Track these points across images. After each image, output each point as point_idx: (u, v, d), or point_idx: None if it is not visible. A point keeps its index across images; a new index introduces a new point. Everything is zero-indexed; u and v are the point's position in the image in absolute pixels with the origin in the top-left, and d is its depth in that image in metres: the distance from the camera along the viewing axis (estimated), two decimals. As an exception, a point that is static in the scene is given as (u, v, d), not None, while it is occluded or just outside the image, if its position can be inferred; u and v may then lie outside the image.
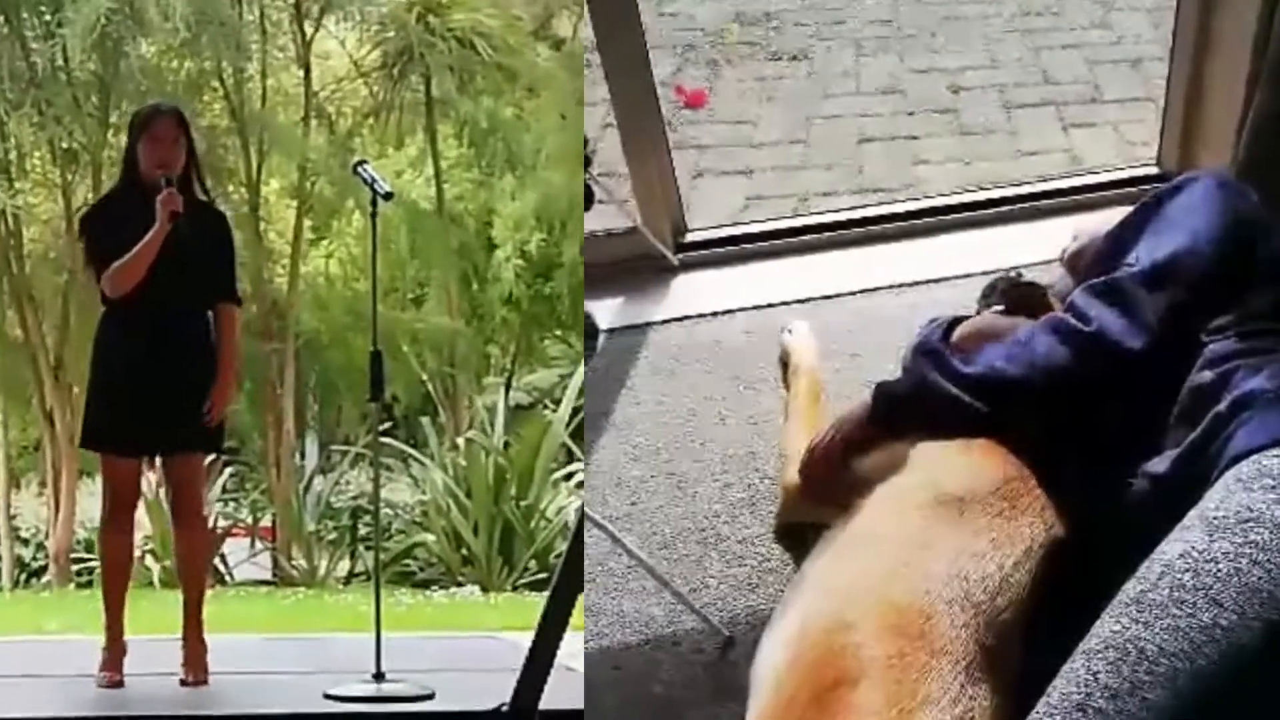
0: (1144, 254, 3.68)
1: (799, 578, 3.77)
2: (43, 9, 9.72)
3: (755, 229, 5.79)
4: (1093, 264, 3.92)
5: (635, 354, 5.13)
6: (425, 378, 11.03)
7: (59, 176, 9.95)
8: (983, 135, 7.01)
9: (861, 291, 5.39)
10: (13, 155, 9.61)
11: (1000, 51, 7.95)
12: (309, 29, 10.46)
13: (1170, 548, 3.02)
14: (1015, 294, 4.29)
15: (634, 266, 5.53)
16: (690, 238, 5.69)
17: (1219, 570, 2.91)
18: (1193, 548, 2.97)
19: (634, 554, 4.09)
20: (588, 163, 4.54)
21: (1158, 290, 3.57)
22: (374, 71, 10.90)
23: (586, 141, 4.50)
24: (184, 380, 5.13)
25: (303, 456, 11.58)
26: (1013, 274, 4.69)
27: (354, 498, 10.60)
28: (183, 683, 5.11)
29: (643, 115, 5.36)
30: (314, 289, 11.09)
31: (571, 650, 3.99)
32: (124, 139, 6.12)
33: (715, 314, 5.34)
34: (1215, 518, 3.01)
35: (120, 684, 5.09)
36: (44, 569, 10.26)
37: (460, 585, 9.20)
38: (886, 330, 4.95)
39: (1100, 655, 2.91)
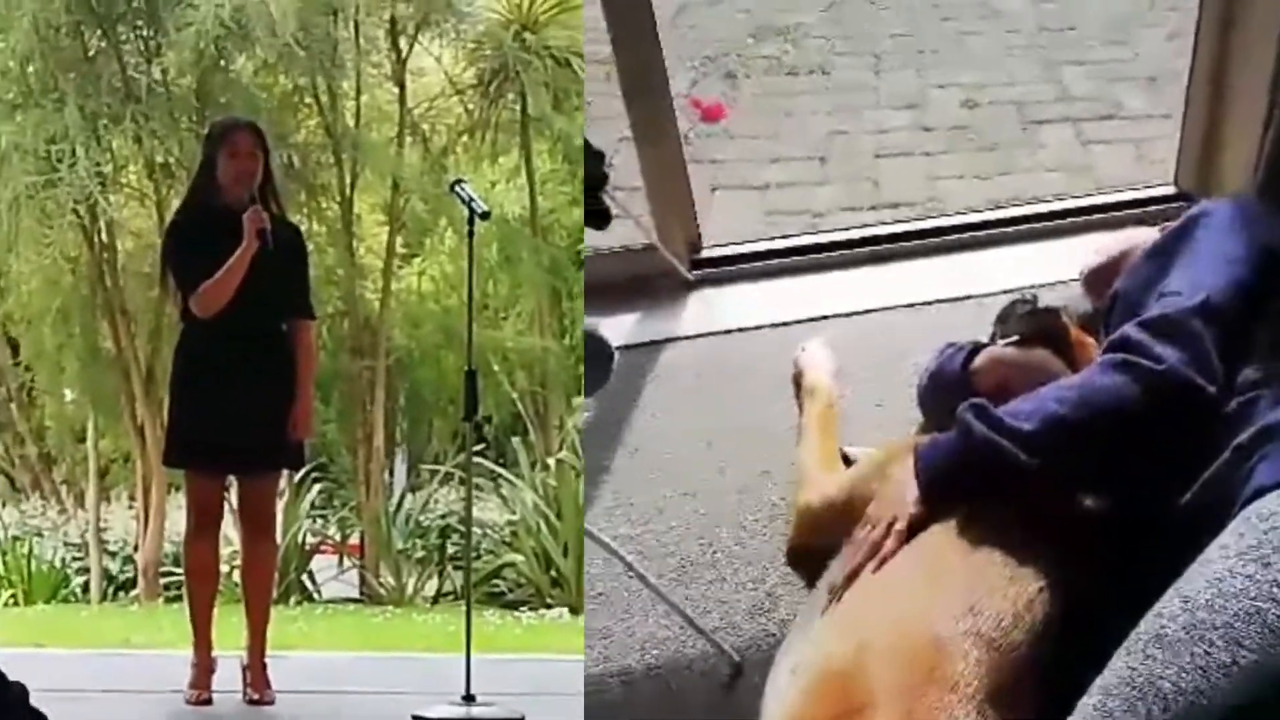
0: (1184, 284, 3.59)
1: (812, 603, 3.72)
2: (140, 24, 9.74)
3: (772, 245, 5.73)
4: (1128, 290, 3.81)
5: (650, 371, 5.09)
6: (516, 397, 10.97)
7: (153, 190, 9.95)
8: (1002, 151, 6.93)
9: (878, 310, 5.33)
10: (108, 169, 9.60)
11: (1018, 68, 7.87)
12: (404, 46, 10.43)
13: (1190, 583, 2.97)
14: (1033, 322, 4.17)
15: (649, 283, 5.48)
16: (706, 253, 5.64)
17: (1239, 608, 2.86)
18: (1212, 583, 2.92)
19: (642, 577, 4.01)
20: (605, 179, 4.45)
21: (1211, 326, 3.47)
22: (469, 89, 10.86)
23: (602, 157, 4.40)
24: (264, 397, 5.11)
25: (391, 474, 11.55)
26: (1028, 296, 4.58)
27: (443, 516, 10.55)
28: (251, 701, 5.09)
29: (659, 130, 5.34)
30: (405, 306, 11.06)
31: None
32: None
33: (731, 331, 5.29)
34: (1236, 553, 2.96)
35: (208, 701, 5.09)
36: (132, 582, 10.26)
37: (549, 607, 9.13)
38: (902, 350, 4.89)
39: (1117, 692, 2.86)
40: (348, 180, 10.28)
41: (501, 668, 5.55)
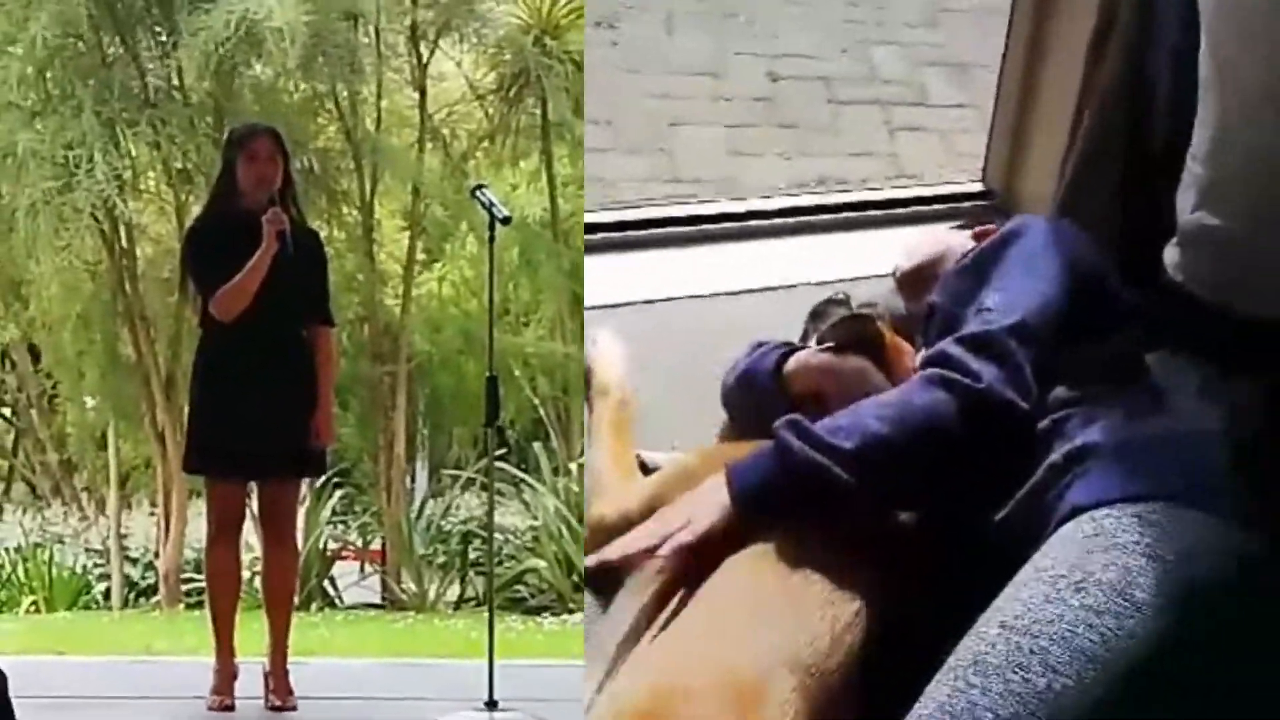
0: (999, 302, 3.57)
1: (608, 628, 3.54)
2: (158, 29, 9.74)
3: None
4: (944, 304, 3.77)
5: None
6: (537, 402, 10.95)
7: (172, 196, 9.95)
8: (805, 130, 6.65)
9: (676, 298, 5.01)
10: (126, 175, 9.59)
11: (824, 42, 7.41)
12: (425, 51, 10.42)
13: (1006, 607, 2.98)
14: (849, 328, 4.07)
15: None
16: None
17: (1054, 633, 2.88)
18: (1029, 608, 2.94)
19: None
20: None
21: (1027, 345, 3.46)
22: (489, 94, 10.85)
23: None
24: (284, 403, 5.11)
25: (413, 480, 11.53)
26: (840, 295, 4.48)
27: (464, 522, 10.53)
28: (273, 707, 5.09)
29: None
30: (426, 312, 11.04)
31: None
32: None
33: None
34: (1050, 577, 2.98)
35: (231, 707, 5.09)
36: (153, 589, 10.25)
37: (572, 612, 9.10)
38: (702, 343, 4.62)
39: (934, 719, 2.85)
40: (368, 186, 10.27)
41: (524, 673, 5.52)
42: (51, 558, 10.46)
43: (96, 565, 10.61)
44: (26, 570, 10.39)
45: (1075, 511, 3.14)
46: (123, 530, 10.62)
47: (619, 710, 3.11)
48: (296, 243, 5.12)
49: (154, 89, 9.69)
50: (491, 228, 5.01)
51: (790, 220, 5.51)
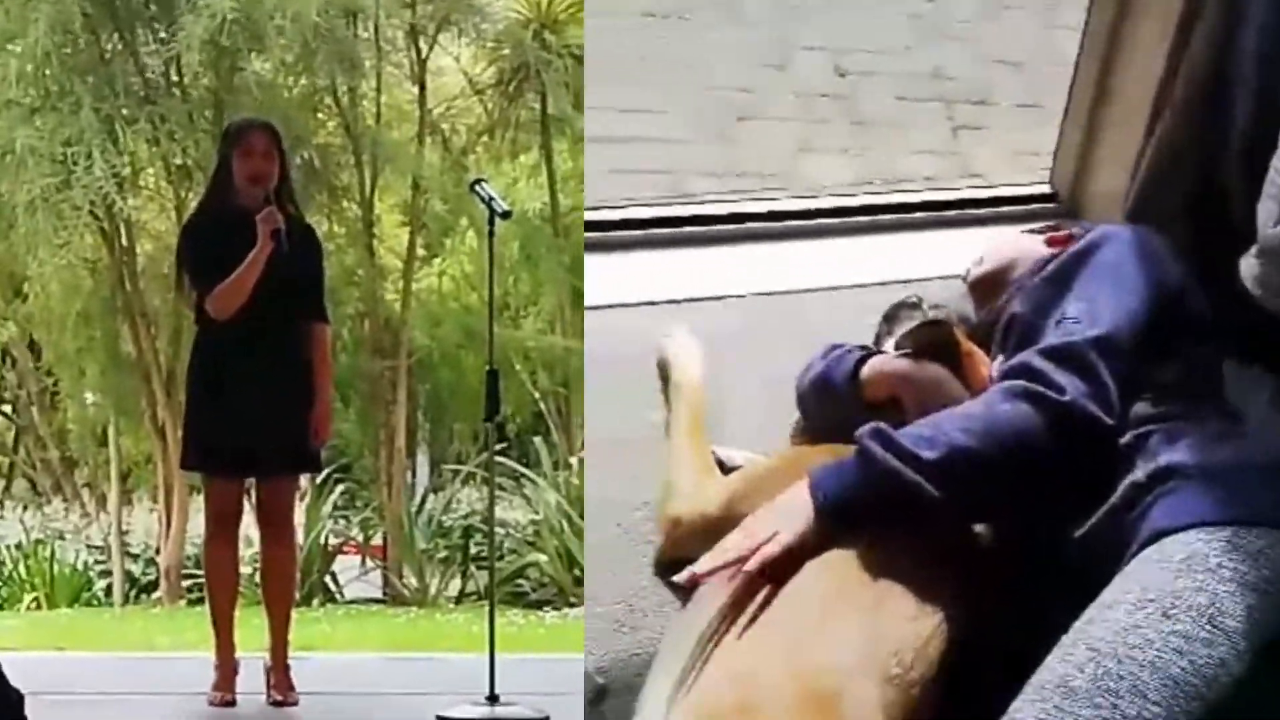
0: (1082, 312, 3.54)
1: (683, 622, 3.50)
2: (157, 25, 9.73)
3: (628, 214, 5.27)
4: (1024, 314, 3.74)
5: None
6: (537, 396, 10.96)
7: (172, 192, 9.95)
8: (871, 126, 6.51)
9: (747, 295, 4.89)
10: (126, 171, 9.59)
11: (890, 37, 7.16)
12: (424, 46, 10.42)
13: (1094, 628, 2.96)
14: (926, 335, 3.98)
15: None
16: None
17: (1143, 659, 2.86)
18: (1118, 634, 2.92)
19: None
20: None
21: (1111, 360, 3.41)
22: (489, 88, 10.85)
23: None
24: (280, 400, 5.09)
25: (413, 475, 11.54)
26: (914, 299, 4.45)
27: (465, 516, 10.53)
28: (274, 703, 5.09)
29: None
30: (426, 306, 11.05)
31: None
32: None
33: (590, 308, 4.82)
34: (1138, 602, 2.96)
35: (232, 703, 5.08)
36: (154, 585, 10.26)
37: (573, 606, 9.11)
38: (778, 343, 4.54)
39: None
40: (368, 181, 10.27)
41: (525, 667, 5.52)
42: (53, 554, 10.47)
43: (98, 561, 10.62)
44: (28, 567, 10.40)
45: (1161, 533, 3.11)
46: (124, 526, 10.63)
47: (701, 711, 3.09)
48: (292, 239, 5.09)
49: (153, 85, 9.69)
50: (491, 222, 4.99)
51: (856, 219, 5.40)
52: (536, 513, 9.83)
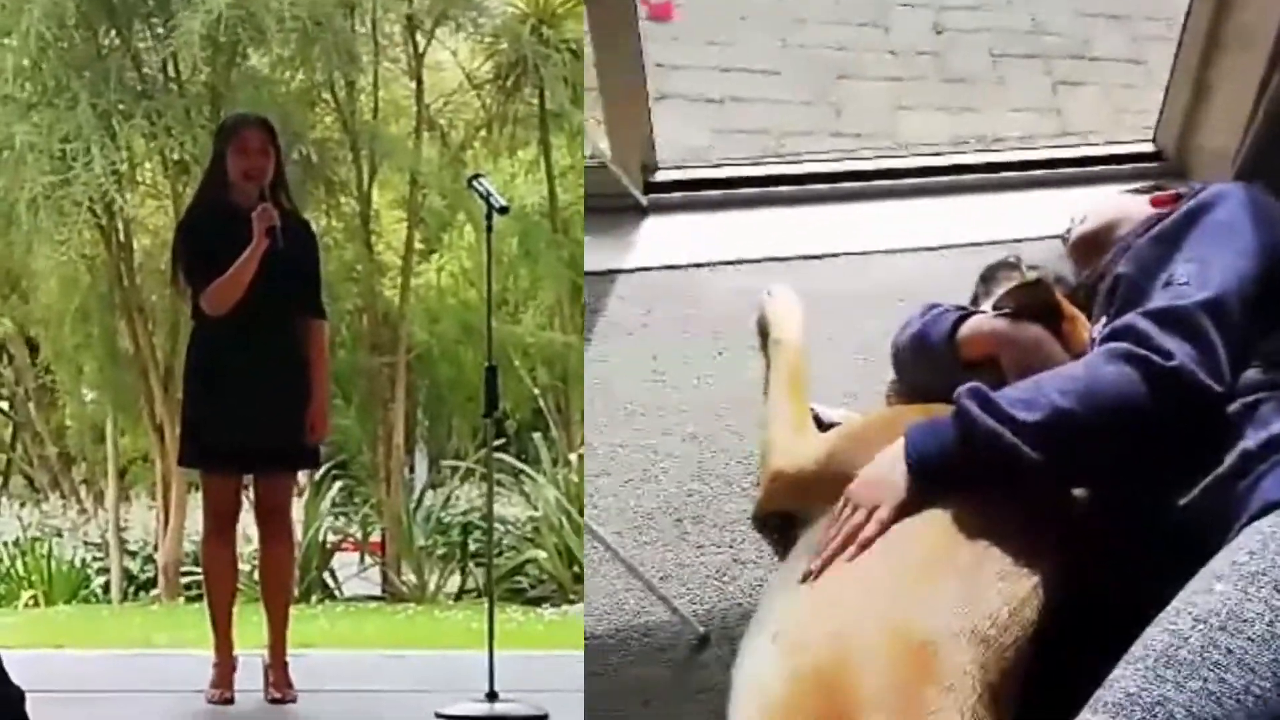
0: (1192, 275, 3.45)
1: (785, 572, 3.56)
2: (154, 20, 9.71)
3: (732, 173, 5.31)
4: (1131, 274, 3.65)
5: (600, 305, 4.74)
6: (536, 392, 10.94)
7: (169, 188, 9.92)
8: (968, 84, 6.49)
9: (844, 254, 4.95)
10: (124, 166, 9.56)
11: None
12: (422, 40, 10.39)
13: (1202, 600, 2.90)
14: (1025, 295, 3.98)
15: (599, 206, 5.13)
16: (660, 176, 5.21)
17: (1253, 632, 2.80)
18: (1225, 605, 2.85)
19: (598, 536, 3.88)
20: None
21: (1221, 324, 3.33)
22: (487, 83, 10.83)
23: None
24: (277, 397, 5.09)
25: (412, 471, 11.52)
26: (1013, 258, 4.43)
27: (464, 513, 10.52)
28: (272, 700, 5.09)
29: (615, 29, 4.81)
30: (425, 302, 11.03)
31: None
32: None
33: (688, 266, 4.87)
34: (1250, 572, 2.89)
35: (230, 700, 5.08)
36: (152, 582, 10.25)
37: (572, 603, 9.09)
38: (875, 302, 4.60)
39: (1126, 712, 2.78)
40: (366, 176, 10.26)
41: (524, 664, 5.51)
42: (50, 551, 10.46)
43: (95, 558, 10.61)
44: (25, 564, 10.39)
45: (1272, 505, 3.04)
46: (122, 523, 10.62)
47: (797, 666, 3.09)
48: (289, 235, 5.07)
49: (150, 80, 9.67)
50: (489, 217, 4.97)
51: (953, 178, 5.37)
52: (535, 509, 9.82)
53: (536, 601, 9.36)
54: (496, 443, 9.20)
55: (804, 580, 3.36)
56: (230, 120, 5.43)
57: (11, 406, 12.74)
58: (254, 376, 5.06)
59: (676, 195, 5.19)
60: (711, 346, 4.54)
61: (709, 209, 5.18)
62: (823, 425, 4.19)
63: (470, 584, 10.25)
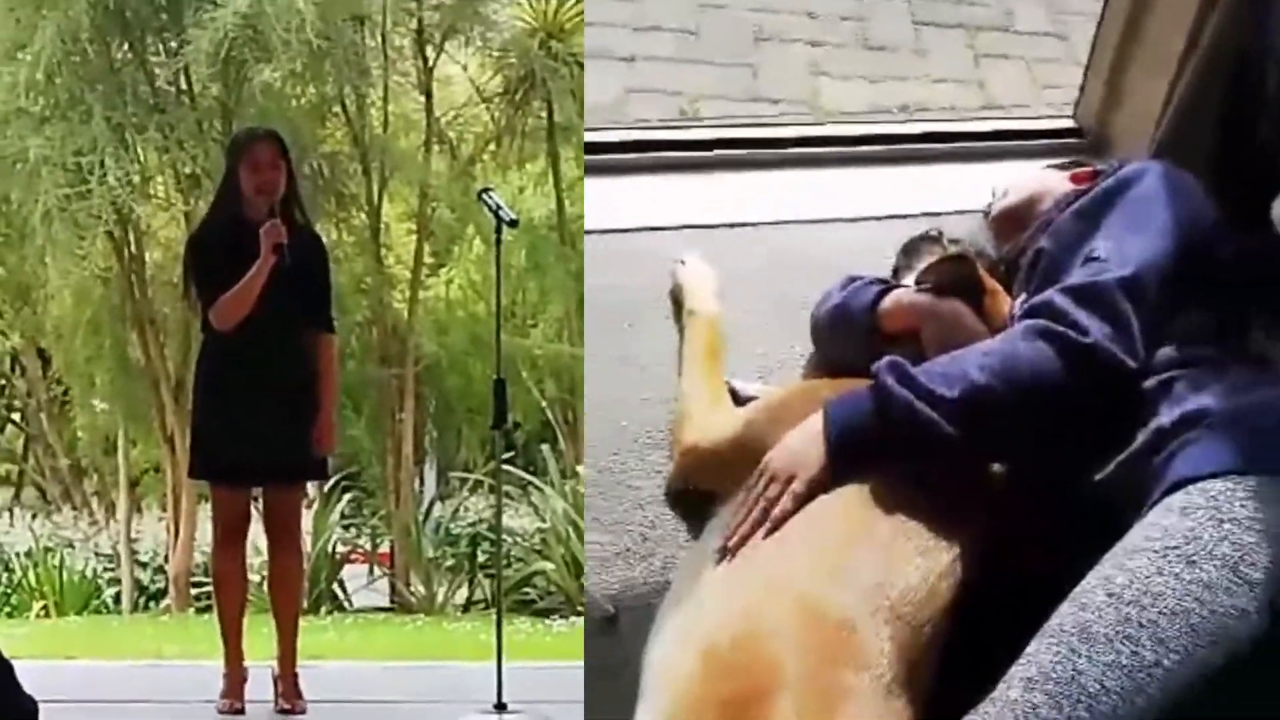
0: (1110, 252, 3.46)
1: (696, 553, 3.52)
2: (167, 34, 9.76)
3: (643, 135, 5.14)
4: (1050, 250, 3.68)
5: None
6: (545, 404, 10.96)
7: (181, 201, 9.96)
8: (890, 52, 6.38)
9: (761, 224, 4.78)
10: (136, 179, 9.61)
11: None
12: (431, 54, 10.43)
13: (1114, 574, 2.92)
14: (948, 270, 3.94)
15: None
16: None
17: (1165, 606, 2.83)
18: (1138, 580, 2.88)
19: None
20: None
21: (1137, 301, 3.35)
22: (496, 97, 10.86)
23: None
24: (286, 409, 5.11)
25: (421, 482, 11.54)
26: (934, 232, 4.40)
27: (472, 524, 10.55)
28: (282, 711, 5.10)
29: None
30: (434, 314, 11.06)
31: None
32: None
33: (597, 232, 4.72)
34: (1161, 549, 2.92)
35: (241, 711, 5.08)
36: (163, 592, 10.28)
37: (580, 615, 9.10)
38: (793, 274, 4.46)
39: (1041, 687, 2.80)
40: (375, 189, 10.28)
41: (533, 675, 5.51)
42: (62, 562, 10.50)
43: (106, 569, 10.64)
44: (37, 575, 10.43)
45: (1185, 481, 3.05)
46: (132, 535, 10.66)
47: (710, 642, 3.06)
48: (300, 249, 5.10)
49: (162, 94, 9.71)
50: (498, 230, 4.99)
51: (874, 148, 5.24)
52: (544, 521, 9.84)
53: (545, 613, 9.37)
54: (505, 455, 9.24)
55: (719, 558, 3.32)
56: (241, 135, 5.46)
57: (24, 418, 12.78)
58: (263, 389, 5.09)
59: (587, 158, 5.07)
60: (621, 316, 4.40)
61: (621, 173, 5.01)
62: (739, 399, 4.12)
63: (479, 595, 10.27)
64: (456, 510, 10.73)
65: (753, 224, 4.79)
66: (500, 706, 4.73)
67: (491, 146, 10.97)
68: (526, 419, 11.06)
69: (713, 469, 3.82)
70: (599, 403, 4.15)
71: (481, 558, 10.31)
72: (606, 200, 4.84)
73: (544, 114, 10.61)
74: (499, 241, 5.05)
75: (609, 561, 3.77)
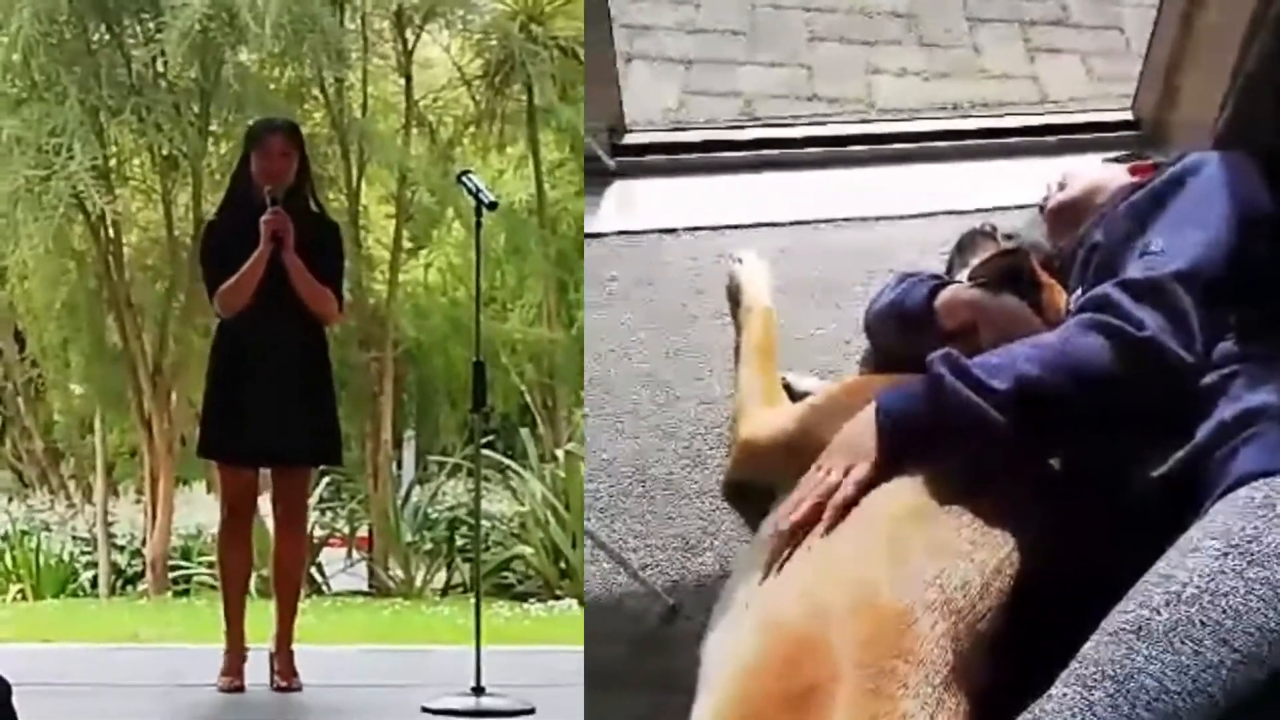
0: (1168, 245, 3.45)
1: (756, 545, 3.55)
2: (144, 16, 9.70)
3: (701, 136, 5.25)
4: (1106, 243, 3.67)
5: None
6: (524, 388, 10.94)
7: (159, 184, 9.92)
8: (944, 49, 6.41)
9: (816, 222, 4.89)
10: (113, 162, 9.57)
11: None
12: (410, 37, 10.39)
13: (1176, 571, 2.89)
14: (1002, 264, 3.98)
15: None
16: (628, 139, 5.15)
17: (1228, 605, 2.80)
18: (1201, 577, 2.85)
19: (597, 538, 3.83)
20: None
21: (1193, 293, 3.34)
22: (476, 80, 10.83)
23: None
24: (298, 393, 5.16)
25: (399, 466, 11.52)
26: (988, 227, 4.41)
27: (451, 508, 10.52)
28: (278, 689, 5.14)
29: None
30: (413, 298, 11.03)
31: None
32: (224, 147, 5.99)
33: (657, 231, 4.81)
34: (1224, 547, 2.89)
35: (241, 689, 5.17)
36: (140, 576, 10.25)
37: (558, 599, 9.10)
38: (848, 270, 4.55)
39: (1099, 685, 2.78)
40: (354, 172, 10.25)
41: (511, 659, 5.51)
42: (38, 545, 10.45)
43: (83, 553, 10.59)
44: (13, 558, 10.38)
45: (1248, 476, 3.04)
46: (109, 518, 10.61)
47: (766, 634, 3.10)
48: (313, 235, 5.19)
49: (139, 76, 9.65)
50: (478, 213, 5.00)
51: (929, 145, 5.32)
52: (522, 505, 9.82)
53: (523, 597, 9.36)
54: (484, 439, 9.22)
55: (781, 547, 3.34)
56: (257, 126, 5.50)
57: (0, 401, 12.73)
58: (273, 372, 5.14)
59: (646, 159, 5.13)
60: (681, 314, 4.49)
61: (678, 174, 5.12)
62: (794, 395, 4.18)
63: (457, 579, 10.24)
64: (435, 494, 10.71)
65: (809, 222, 4.86)
66: (478, 689, 4.74)
67: (471, 130, 10.93)
68: (506, 403, 11.05)
69: (769, 463, 3.88)
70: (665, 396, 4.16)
71: (460, 542, 10.29)
72: (664, 201, 4.93)
73: (524, 97, 10.57)
74: (479, 223, 5.05)
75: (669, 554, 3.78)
